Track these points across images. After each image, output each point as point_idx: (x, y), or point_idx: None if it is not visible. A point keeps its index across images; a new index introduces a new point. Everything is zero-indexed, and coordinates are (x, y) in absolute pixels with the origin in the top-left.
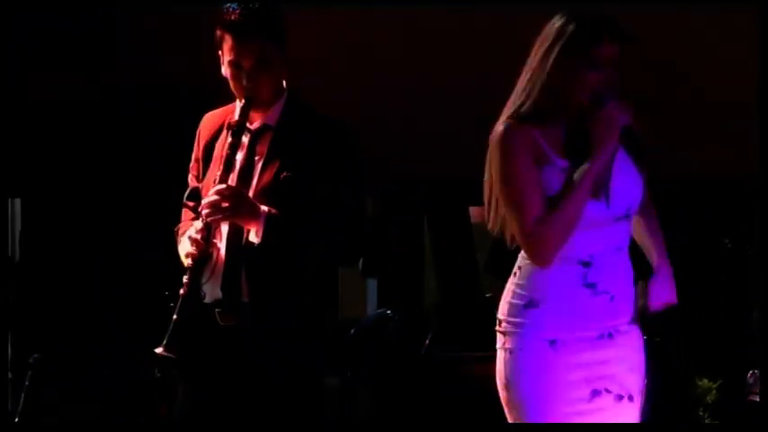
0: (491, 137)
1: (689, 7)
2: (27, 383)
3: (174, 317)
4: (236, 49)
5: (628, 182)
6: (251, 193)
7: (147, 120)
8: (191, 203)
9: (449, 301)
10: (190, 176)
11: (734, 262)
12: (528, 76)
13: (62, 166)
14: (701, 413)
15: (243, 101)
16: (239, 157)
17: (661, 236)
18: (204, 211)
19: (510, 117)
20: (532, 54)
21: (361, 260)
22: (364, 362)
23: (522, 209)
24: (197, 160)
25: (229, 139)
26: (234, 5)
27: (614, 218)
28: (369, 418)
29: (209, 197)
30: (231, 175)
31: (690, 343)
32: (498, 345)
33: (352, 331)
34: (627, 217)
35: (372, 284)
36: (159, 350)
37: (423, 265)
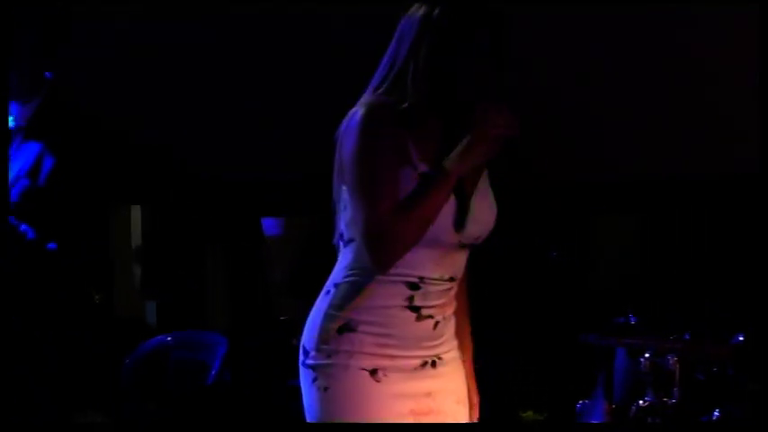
0: (346, 122)
1: None
2: None
3: None
4: None
5: (484, 207)
6: None
7: None
8: None
9: (239, 324)
10: None
11: (562, 276)
12: (393, 69)
13: None
14: None
15: None
16: None
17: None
18: None
19: (371, 102)
20: (395, 46)
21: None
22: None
23: (372, 198)
24: None
25: None
26: None
27: (459, 244)
28: None
29: None
30: None
31: (514, 373)
32: (306, 382)
33: (127, 360)
34: (471, 246)
35: (151, 307)
36: None
37: (205, 285)
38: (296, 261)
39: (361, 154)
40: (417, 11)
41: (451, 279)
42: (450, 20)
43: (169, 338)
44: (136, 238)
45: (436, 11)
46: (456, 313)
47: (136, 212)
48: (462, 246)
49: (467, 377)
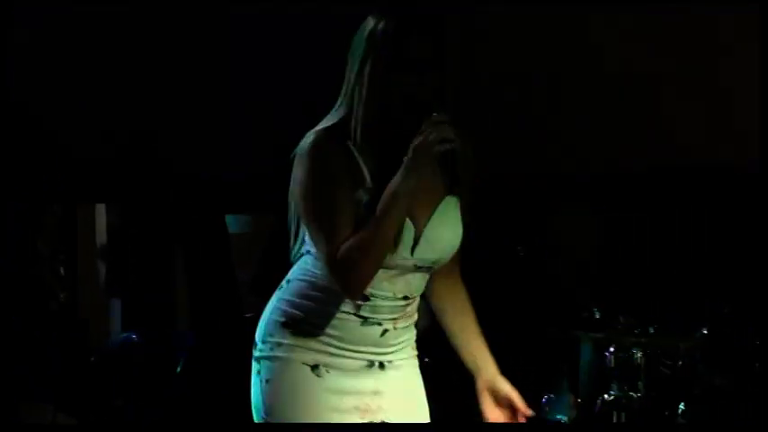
0: (299, 148)
1: None
2: None
3: None
4: None
5: (442, 233)
6: None
7: None
8: None
9: (203, 321)
10: None
11: (528, 272)
12: (345, 87)
13: None
14: None
15: None
16: None
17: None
18: None
19: (325, 129)
20: (348, 64)
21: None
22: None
23: (330, 231)
24: None
25: None
26: None
27: (414, 267)
28: None
29: None
30: None
31: None
32: (253, 373)
33: (93, 359)
34: (429, 269)
35: (116, 305)
36: None
37: (174, 282)
38: (258, 259)
39: (311, 187)
40: (365, 28)
41: (405, 298)
42: (393, 35)
43: (134, 336)
44: (100, 235)
45: (380, 26)
46: (456, 302)
47: (100, 210)
48: (419, 268)
49: (492, 368)
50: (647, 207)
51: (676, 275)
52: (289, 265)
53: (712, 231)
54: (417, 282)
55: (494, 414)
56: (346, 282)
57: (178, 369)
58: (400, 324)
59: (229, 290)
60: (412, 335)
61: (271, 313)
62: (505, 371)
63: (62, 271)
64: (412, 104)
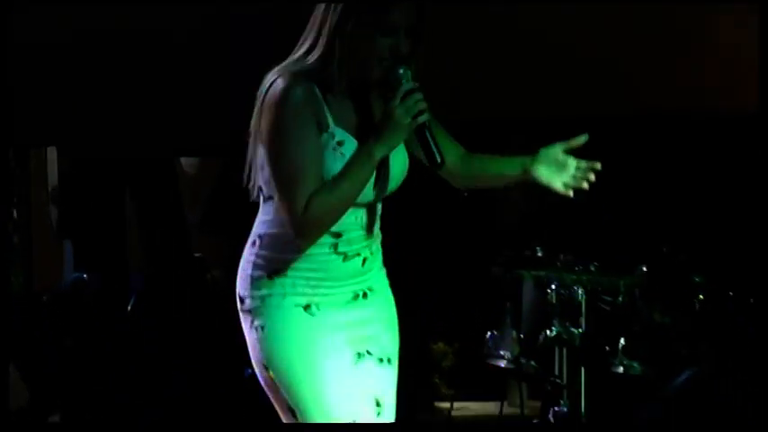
0: (267, 91)
1: None
2: None
3: None
4: None
5: (397, 162)
6: None
7: None
8: None
9: (153, 260)
10: None
11: (472, 212)
12: (315, 36)
13: None
14: (436, 380)
15: None
16: None
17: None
18: None
19: (294, 73)
20: (326, 12)
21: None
22: (60, 329)
23: (296, 183)
24: None
25: None
26: None
27: (376, 200)
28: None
29: None
30: None
31: (424, 305)
32: (246, 327)
33: (45, 298)
34: (386, 196)
35: (69, 247)
36: None
37: (124, 223)
38: (207, 200)
39: (281, 136)
40: None
41: (370, 225)
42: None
43: (86, 276)
44: (52, 178)
45: None
46: (477, 165)
47: (52, 153)
48: (379, 199)
49: (527, 158)
50: (587, 148)
51: (617, 214)
52: (239, 205)
53: (653, 171)
54: (378, 209)
55: (554, 177)
56: (308, 236)
57: (129, 308)
58: (374, 246)
59: (179, 230)
60: (379, 247)
61: (253, 270)
62: (451, 309)
63: (15, 214)
64: (383, 65)
